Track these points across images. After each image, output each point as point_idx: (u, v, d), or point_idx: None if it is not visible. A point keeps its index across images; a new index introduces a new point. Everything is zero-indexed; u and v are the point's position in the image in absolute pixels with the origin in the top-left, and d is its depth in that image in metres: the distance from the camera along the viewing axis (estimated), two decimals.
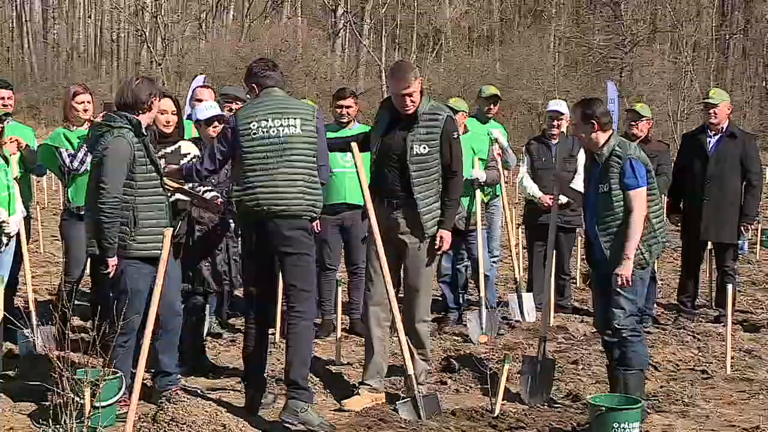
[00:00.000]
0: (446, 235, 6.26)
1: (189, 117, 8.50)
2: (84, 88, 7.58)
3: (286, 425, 5.64)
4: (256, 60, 6.21)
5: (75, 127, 7.31)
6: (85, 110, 7.36)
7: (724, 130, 8.89)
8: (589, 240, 6.19)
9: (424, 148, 6.16)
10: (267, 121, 5.77)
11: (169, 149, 6.60)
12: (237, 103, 8.24)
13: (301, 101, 6.01)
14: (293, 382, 5.70)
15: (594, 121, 5.98)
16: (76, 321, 7.53)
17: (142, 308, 5.73)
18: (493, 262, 8.92)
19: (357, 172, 6.23)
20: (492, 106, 9.15)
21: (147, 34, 45.54)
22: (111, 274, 5.71)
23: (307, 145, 5.81)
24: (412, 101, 6.14)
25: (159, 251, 5.62)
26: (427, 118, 6.19)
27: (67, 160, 7.19)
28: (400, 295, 6.53)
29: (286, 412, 5.66)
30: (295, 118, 5.79)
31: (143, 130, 5.76)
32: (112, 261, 5.67)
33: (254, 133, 5.78)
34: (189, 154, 6.57)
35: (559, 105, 9.24)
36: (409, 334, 6.29)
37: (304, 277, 5.86)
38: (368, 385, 6.30)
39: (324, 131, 6.03)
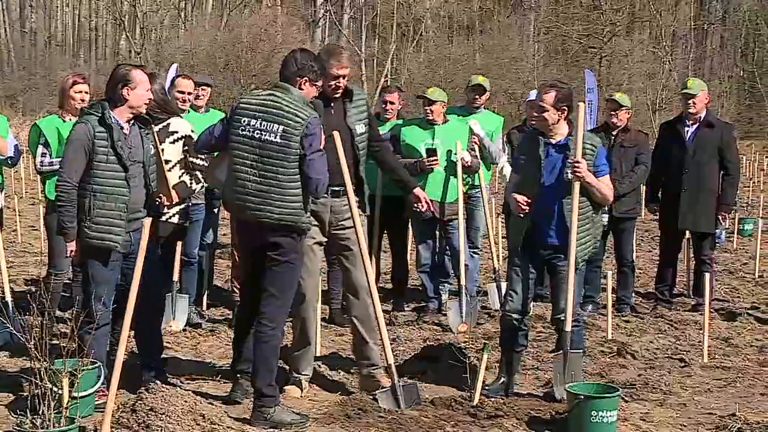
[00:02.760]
0: (421, 192, 6.43)
1: None
2: (83, 78, 7.53)
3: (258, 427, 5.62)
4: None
5: (69, 118, 7.24)
6: (82, 100, 7.32)
7: (701, 119, 8.93)
8: (537, 224, 6.15)
9: (362, 127, 6.20)
10: (255, 120, 5.58)
11: (157, 127, 6.69)
12: (206, 89, 8.33)
13: (301, 106, 5.62)
14: (258, 390, 5.64)
15: (566, 107, 6.08)
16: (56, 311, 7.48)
17: (107, 297, 5.75)
18: (475, 253, 8.93)
19: (339, 161, 6.08)
20: (478, 96, 9.05)
21: (125, 22, 45.22)
22: (72, 257, 5.87)
23: (284, 156, 5.52)
24: (343, 83, 6.13)
25: (111, 243, 5.71)
26: (356, 98, 6.22)
27: (38, 159, 7.20)
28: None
29: (255, 417, 5.62)
30: (278, 125, 5.54)
31: (107, 120, 5.69)
32: (70, 245, 5.75)
33: (242, 129, 5.61)
34: (177, 132, 6.60)
35: None
36: (364, 322, 6.27)
37: (279, 284, 5.67)
38: (306, 375, 6.31)
39: (317, 143, 5.61)
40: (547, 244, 6.18)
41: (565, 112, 6.09)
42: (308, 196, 5.67)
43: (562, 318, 6.13)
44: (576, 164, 5.99)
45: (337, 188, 6.10)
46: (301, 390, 6.25)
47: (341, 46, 6.54)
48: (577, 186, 6.04)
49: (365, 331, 6.28)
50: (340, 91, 6.16)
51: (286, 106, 5.58)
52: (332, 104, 6.17)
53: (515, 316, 6.25)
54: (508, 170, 9.11)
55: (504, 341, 6.36)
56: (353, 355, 6.54)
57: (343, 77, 6.13)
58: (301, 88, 5.71)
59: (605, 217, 8.90)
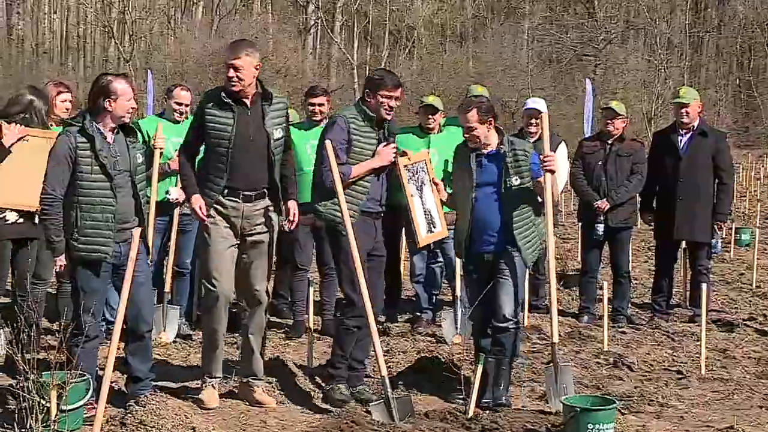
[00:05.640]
0: (295, 206, 6.25)
1: (161, 114, 8.47)
2: (66, 86, 7.51)
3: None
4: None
5: (51, 125, 7.23)
6: (67, 109, 7.31)
7: (694, 128, 8.95)
8: (474, 234, 6.28)
9: (280, 132, 6.20)
10: None
11: None
12: None
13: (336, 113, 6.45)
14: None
15: (491, 118, 6.29)
16: (43, 322, 7.46)
17: (98, 309, 5.76)
18: None
19: (331, 171, 6.10)
20: None
21: (114, 30, 45.21)
22: (61, 270, 5.87)
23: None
24: (239, 77, 6.03)
25: (100, 255, 5.70)
26: (275, 102, 6.21)
27: None
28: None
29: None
30: None
31: (88, 131, 5.69)
32: (59, 260, 5.76)
33: None
34: None
35: (537, 103, 9.25)
36: (256, 333, 6.32)
37: (340, 281, 6.54)
38: (218, 378, 6.31)
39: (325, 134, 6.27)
40: (486, 252, 6.30)
41: (492, 122, 6.30)
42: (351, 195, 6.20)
43: (502, 326, 6.20)
44: (547, 157, 6.23)
45: (249, 193, 6.11)
46: (217, 396, 6.23)
47: (246, 40, 6.56)
48: (549, 178, 6.25)
49: (255, 342, 6.32)
50: (235, 83, 6.01)
51: None
52: (249, 106, 6.10)
53: (479, 327, 6.44)
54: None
55: (476, 350, 6.48)
56: (239, 362, 6.53)
57: (236, 69, 5.99)
58: (367, 100, 6.25)
59: (600, 228, 8.93)
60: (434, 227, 6.84)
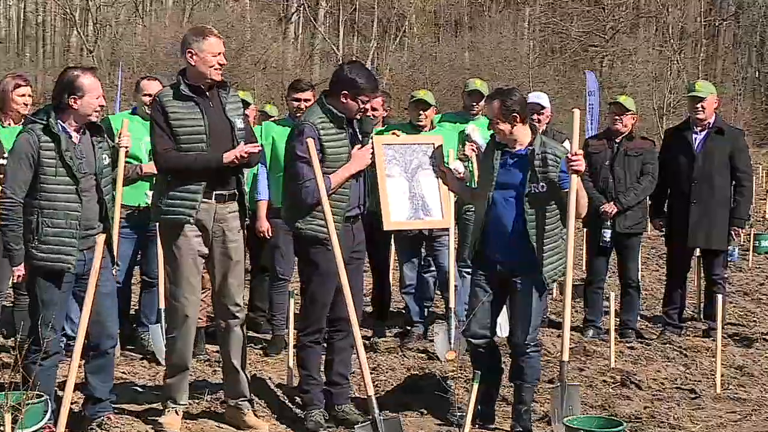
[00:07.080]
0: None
1: (134, 111, 8.36)
2: (25, 80, 7.47)
3: None
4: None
5: (9, 123, 7.19)
6: (26, 104, 7.27)
7: (710, 125, 8.95)
8: (488, 239, 6.25)
9: (241, 122, 6.20)
10: None
11: None
12: None
13: (307, 115, 6.36)
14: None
15: (516, 114, 6.16)
16: None
17: (57, 322, 5.72)
18: (467, 273, 8.90)
19: (312, 186, 6.04)
20: (475, 103, 8.98)
21: (76, 17, 45.16)
22: (18, 281, 5.85)
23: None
24: (224, 63, 6.12)
25: (63, 264, 5.67)
26: (231, 91, 6.22)
27: None
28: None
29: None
30: None
31: (53, 129, 5.64)
32: (17, 269, 5.71)
33: None
34: None
35: (540, 97, 9.25)
36: (234, 351, 6.27)
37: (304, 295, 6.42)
38: (183, 405, 6.26)
39: (297, 149, 6.13)
40: (500, 260, 6.24)
41: (517, 119, 6.18)
42: (304, 205, 6.11)
43: (519, 342, 6.22)
44: (575, 156, 6.10)
45: (223, 192, 6.09)
46: (180, 421, 6.19)
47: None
48: (575, 180, 6.14)
49: (236, 361, 6.28)
50: (219, 74, 6.09)
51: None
52: (208, 94, 6.08)
53: (476, 341, 6.37)
54: None
55: (474, 368, 6.40)
56: (223, 385, 6.49)
57: (224, 55, 6.10)
58: (342, 102, 6.17)
59: (607, 234, 8.94)
60: (426, 214, 6.75)
